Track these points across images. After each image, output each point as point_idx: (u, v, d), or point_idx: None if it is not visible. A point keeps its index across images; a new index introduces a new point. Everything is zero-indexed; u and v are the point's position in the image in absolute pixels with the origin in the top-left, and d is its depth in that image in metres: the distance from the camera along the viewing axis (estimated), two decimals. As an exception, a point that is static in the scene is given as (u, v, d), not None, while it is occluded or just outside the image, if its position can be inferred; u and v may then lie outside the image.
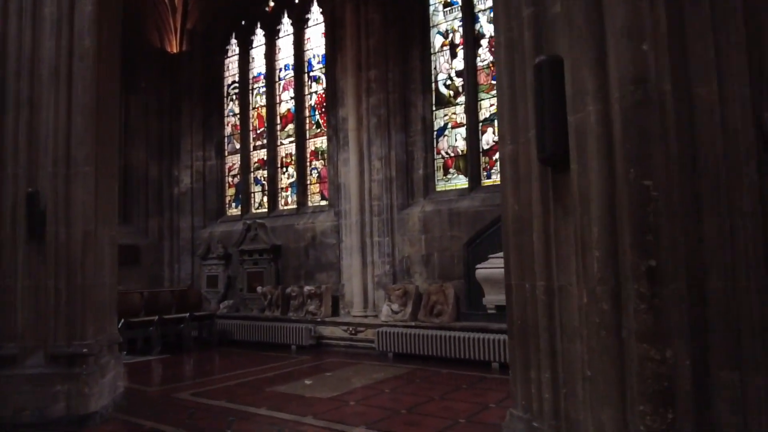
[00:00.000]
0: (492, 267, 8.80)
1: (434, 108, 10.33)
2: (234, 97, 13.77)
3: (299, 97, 12.22)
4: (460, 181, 9.94)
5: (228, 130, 13.83)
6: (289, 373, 8.21)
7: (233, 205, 13.56)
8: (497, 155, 9.54)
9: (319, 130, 11.93)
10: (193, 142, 13.85)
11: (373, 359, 9.02)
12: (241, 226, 12.22)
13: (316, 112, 11.99)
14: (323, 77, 11.82)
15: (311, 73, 12.14)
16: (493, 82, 9.75)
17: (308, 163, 12.06)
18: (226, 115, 13.89)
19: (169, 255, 13.78)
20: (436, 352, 8.56)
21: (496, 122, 9.67)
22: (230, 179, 13.69)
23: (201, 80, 13.90)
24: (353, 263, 10.20)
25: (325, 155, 11.63)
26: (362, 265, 10.13)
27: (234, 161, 13.60)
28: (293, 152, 12.28)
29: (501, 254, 8.65)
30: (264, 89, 13.01)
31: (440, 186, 10.16)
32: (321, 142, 11.83)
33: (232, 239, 12.48)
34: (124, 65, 14.85)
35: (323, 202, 11.66)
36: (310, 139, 12.08)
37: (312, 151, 12.03)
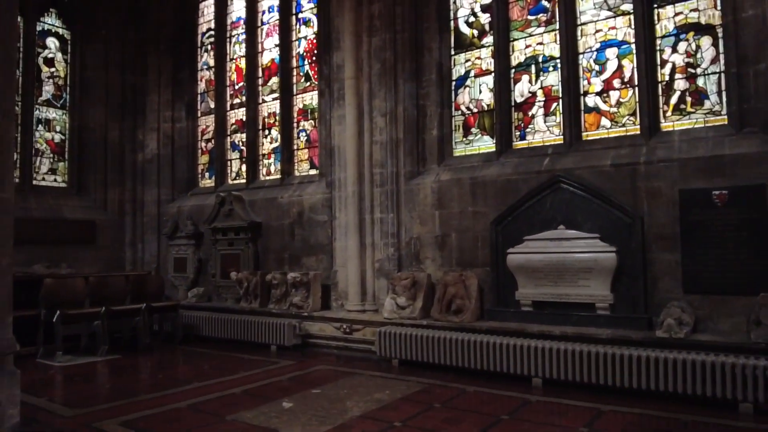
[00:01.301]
0: (529, 251, 6.82)
1: (453, 52, 8.24)
2: (209, 47, 11.61)
3: (285, 44, 10.09)
4: (485, 144, 7.90)
5: (201, 86, 11.69)
6: (264, 387, 6.21)
7: (206, 174, 11.46)
8: (534, 109, 7.50)
9: (308, 83, 9.82)
10: (161, 101, 11.70)
11: (373, 367, 7.04)
12: (214, 200, 10.16)
13: (306, 62, 9.87)
14: (314, 19, 9.69)
15: (300, 15, 10.00)
16: (531, 17, 7.68)
17: (295, 124, 9.97)
18: (199, 68, 11.74)
19: (131, 233, 11.69)
20: (455, 360, 6.58)
21: (533, 68, 7.61)
22: (203, 144, 11.58)
23: (171, 28, 11.72)
24: (349, 245, 8.18)
25: (316, 114, 9.55)
26: (360, 248, 8.12)
27: (208, 123, 11.48)
28: (277, 111, 10.18)
29: (542, 235, 6.68)
30: (244, 36, 10.86)
31: (459, 150, 8.11)
32: (311, 98, 9.74)
33: (204, 215, 10.42)
34: (79, 10, 12.74)
35: (313, 171, 9.60)
36: (297, 94, 9.97)
37: (300, 109, 9.94)
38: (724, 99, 6.34)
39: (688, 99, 6.57)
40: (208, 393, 5.97)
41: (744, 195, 5.85)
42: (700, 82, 6.51)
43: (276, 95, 10.25)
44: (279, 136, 10.10)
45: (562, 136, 7.30)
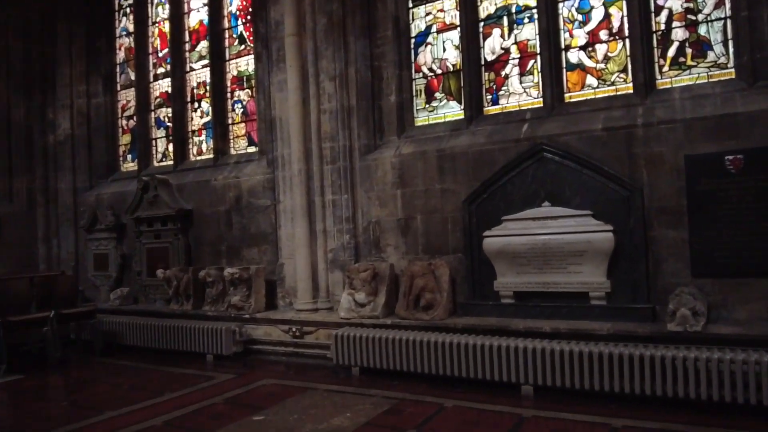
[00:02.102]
0: (509, 234, 5.78)
1: (411, 3, 7.07)
2: (128, 10, 10.04)
3: (215, 2, 8.67)
4: (452, 110, 6.79)
5: (120, 55, 10.11)
6: (193, 416, 4.96)
7: (129, 157, 9.93)
8: (508, 69, 6.44)
9: (243, 46, 8.46)
10: (74, 74, 10.06)
11: (330, 378, 5.90)
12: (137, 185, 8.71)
13: (239, 22, 8.49)
14: (248, -28, 8.33)
15: (231, -33, 8.61)
16: (501, -41, 6.57)
17: (229, 95, 8.61)
18: (117, 35, 10.16)
19: (44, 227, 10.06)
20: (427, 367, 5.50)
21: (505, 20, 6.53)
22: (124, 122, 10.03)
23: (81, -12, 10.08)
24: (296, 233, 6.96)
25: (253, 81, 8.22)
26: (309, 236, 6.91)
27: (129, 97, 9.93)
28: (208, 80, 8.78)
29: (524, 214, 5.61)
30: (167, -5, 9.38)
31: (422, 118, 6.98)
32: (247, 64, 8.39)
33: (127, 204, 8.95)
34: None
35: (251, 149, 8.29)
36: (231, 59, 8.60)
37: (234, 77, 8.57)
38: (731, 49, 5.42)
39: (689, 51, 5.62)
40: (120, 427, 4.69)
41: (763, 159, 4.95)
42: (702, 30, 5.56)
43: (206, 62, 8.84)
44: (210, 109, 8.71)
45: (541, 99, 6.26)
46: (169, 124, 9.23)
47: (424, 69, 6.97)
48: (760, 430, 3.97)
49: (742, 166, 5.02)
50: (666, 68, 5.72)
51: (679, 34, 5.66)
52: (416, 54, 7.02)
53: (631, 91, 5.82)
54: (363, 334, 5.87)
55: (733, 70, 5.39)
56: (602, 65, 6.02)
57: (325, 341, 6.41)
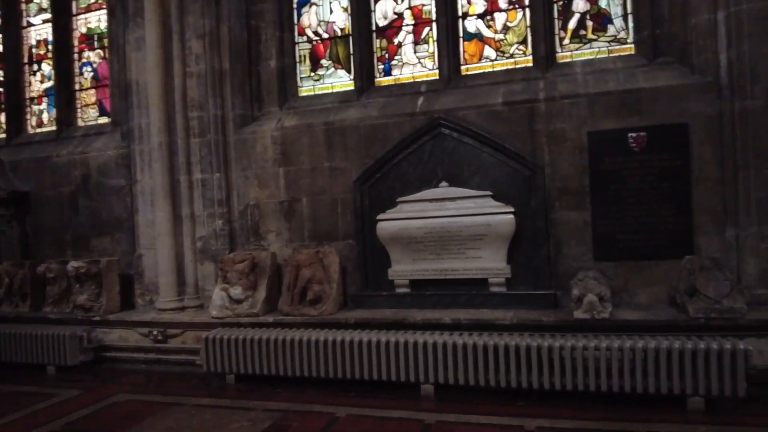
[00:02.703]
0: (405, 217, 5.22)
1: (294, -43, 6.27)
2: (-57, -51, 8.20)
3: (56, -56, 7.26)
4: (341, 80, 6.09)
5: (-66, 4, 8.28)
6: (18, 448, 3.90)
7: (-53, 128, 8.20)
8: (402, 36, 5.87)
9: (93, -2, 7.17)
10: None
11: (199, 389, 5.01)
12: (-44, 162, 7.10)
13: (88, -31, 7.18)
14: None
15: None
16: None
17: (77, 56, 7.25)
18: (-71, -21, 8.29)
19: None
20: (315, 369, 4.79)
21: (399, -19, 5.92)
22: (-60, 86, 8.25)
23: None
24: (158, 219, 5.91)
25: (105, 41, 6.96)
26: (174, 222, 5.90)
27: (-54, 56, 8.16)
28: (50, 38, 7.34)
29: (420, 195, 4.99)
30: (-6, -68, 7.73)
31: (307, 87, 6.21)
32: (98, 19, 7.10)
33: (-57, 185, 7.30)
34: None
35: (103, 119, 7.04)
36: (79, 14, 7.24)
37: (83, 34, 7.23)
38: (631, 24, 5.22)
39: (589, 24, 5.36)
40: None
41: (665, 137, 4.78)
42: (603, 2, 5.32)
43: (47, 16, 7.39)
44: (53, 72, 7.30)
45: (437, 70, 5.75)
46: (0, 89, 7.65)
47: (309, 32, 6.19)
48: (678, 420, 3.72)
49: (645, 145, 4.82)
50: (567, 41, 5.42)
51: (580, 5, 5.37)
52: (299, 15, 6.21)
53: (531, 64, 5.46)
54: (239, 336, 5.03)
55: (633, 45, 5.19)
56: (501, 36, 5.61)
57: (193, 345, 5.48)
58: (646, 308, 4.66)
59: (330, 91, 6.08)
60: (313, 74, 6.17)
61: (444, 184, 5.22)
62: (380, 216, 5.30)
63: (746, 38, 4.50)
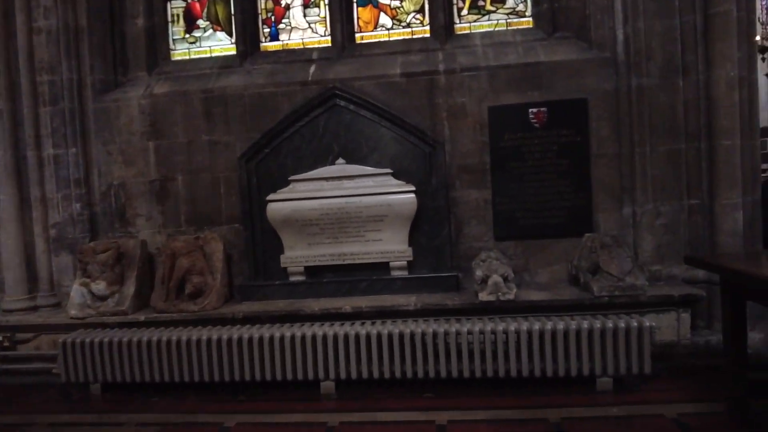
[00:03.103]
0: (298, 197, 4.77)
1: None
2: None
3: None
4: (221, 43, 5.39)
5: None
6: None
7: None
8: (291, -4, 5.32)
9: None
10: None
11: (58, 404, 4.24)
12: None
13: None
14: None
15: None
16: None
17: None
18: None
19: None
20: (199, 373, 4.19)
21: (286, -65, 5.33)
22: None
23: None
24: (1, 203, 4.95)
25: None
26: (21, 206, 4.97)
27: None
28: None
29: (315, 173, 4.65)
30: None
31: (181, 50, 5.44)
32: None
33: None
34: None
35: (-77, 82, 5.79)
36: None
37: None
38: (529, -5, 5.08)
39: (488, -7, 5.16)
40: None
41: (565, 112, 4.68)
42: (501, -28, 5.13)
43: None
44: None
45: (329, 37, 5.26)
46: None
47: (182, -12, 5.44)
48: (589, 403, 3.63)
49: (546, 120, 4.70)
50: (465, 11, 5.16)
51: (479, -27, 5.14)
52: (171, -33, 5.43)
53: (428, 35, 5.15)
54: (105, 338, 4.30)
55: (531, 18, 5.04)
56: (397, 3, 5.24)
57: (49, 351, 4.65)
58: (548, 287, 4.58)
59: (208, 55, 5.38)
60: (188, 36, 5.42)
61: (341, 161, 4.79)
62: (271, 196, 4.77)
63: (641, 15, 4.48)
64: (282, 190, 4.80)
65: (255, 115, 4.94)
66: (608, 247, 4.36)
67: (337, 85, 4.80)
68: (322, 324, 4.24)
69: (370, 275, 4.72)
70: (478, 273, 4.44)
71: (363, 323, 4.19)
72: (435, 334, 3.97)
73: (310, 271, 4.82)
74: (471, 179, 4.80)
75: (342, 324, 4.21)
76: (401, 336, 4.00)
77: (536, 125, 4.70)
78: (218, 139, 5.00)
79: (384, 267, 4.75)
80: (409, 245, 4.72)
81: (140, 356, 4.24)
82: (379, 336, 4.02)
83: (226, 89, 5.00)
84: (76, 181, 5.06)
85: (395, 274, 4.72)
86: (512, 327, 3.92)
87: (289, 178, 4.81)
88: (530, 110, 4.70)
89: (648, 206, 4.58)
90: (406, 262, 4.71)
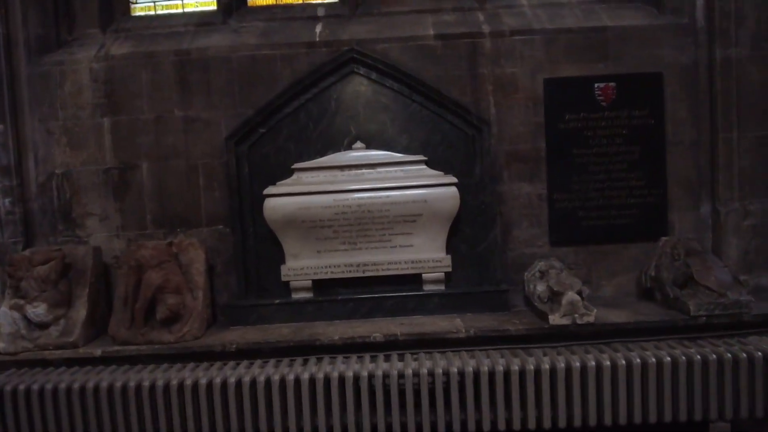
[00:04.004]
0: (305, 191, 3.71)
1: None
2: None
3: None
4: (197, -4, 4.26)
5: None
6: None
7: None
8: (290, -63, 4.22)
9: None
10: None
11: (-25, 475, 3.03)
12: None
13: None
14: None
15: None
16: None
17: None
18: None
19: None
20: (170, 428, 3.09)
21: None
22: None
23: None
24: None
25: None
26: (-77, 202, 3.69)
27: None
28: None
29: (327, 160, 3.61)
30: None
31: (144, 4, 4.23)
32: None
33: None
34: None
35: None
36: None
37: None
38: (580, -53, 4.17)
39: (532, -57, 4.21)
40: None
41: (636, 89, 3.81)
42: None
43: None
44: None
45: (336, -9, 4.21)
46: None
47: (146, -77, 4.24)
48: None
49: (614, 98, 3.82)
50: (505, -36, 4.22)
51: None
52: None
53: (463, -8, 4.18)
54: (47, 384, 3.08)
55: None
56: (421, -48, 4.24)
57: (-38, 399, 3.41)
58: (616, 304, 3.69)
59: (179, 10, 4.20)
60: (154, -15, 4.25)
61: (359, 144, 3.76)
62: (269, 190, 3.68)
63: (732, -31, 3.67)
64: (283, 181, 3.72)
65: (246, 84, 3.83)
66: (697, 255, 3.53)
67: (355, 47, 3.75)
68: (347, 358, 3.21)
69: (398, 291, 3.71)
70: (540, 288, 3.53)
71: (401, 356, 3.17)
72: (507, 373, 2.99)
73: (319, 285, 3.77)
74: (522, 170, 3.86)
75: (373, 357, 3.18)
76: (461, 374, 3.01)
77: (603, 103, 3.81)
78: (196, 115, 3.85)
79: (414, 280, 3.75)
80: (448, 252, 3.74)
81: (98, 409, 3.07)
82: (431, 375, 3.01)
83: (206, 51, 3.86)
84: (4, 170, 3.80)
85: (429, 289, 3.73)
86: (605, 360, 2.99)
87: (293, 167, 3.74)
88: (596, 85, 3.80)
89: (733, 204, 3.78)
90: (443, 274, 3.72)
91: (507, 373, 2.99)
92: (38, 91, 3.87)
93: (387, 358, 3.17)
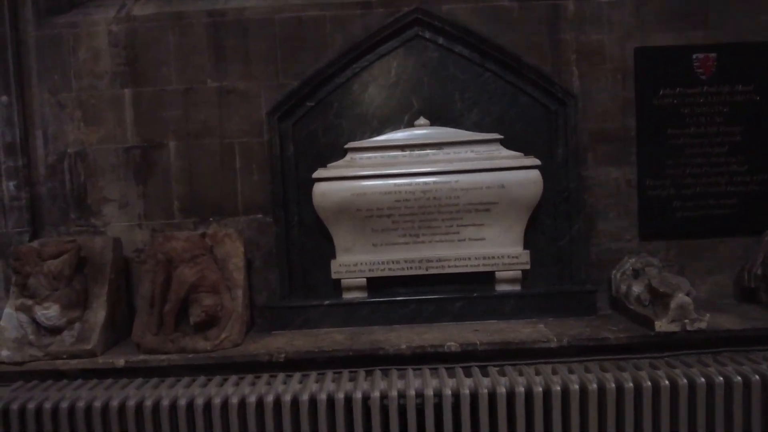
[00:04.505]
0: (361, 174, 3.16)
1: None
2: None
3: None
4: (230, -48, 3.72)
5: None
6: None
7: None
8: None
9: None
10: None
11: None
12: None
13: None
14: None
15: None
16: None
17: None
18: None
19: None
20: (219, 452, 2.57)
21: None
22: None
23: None
24: None
25: None
26: None
27: None
28: None
29: (385, 139, 3.13)
30: None
31: (170, -41, 3.73)
32: None
33: None
34: None
35: None
36: None
37: None
38: None
39: None
40: None
41: (740, 60, 3.30)
42: None
43: None
44: None
45: (389, -51, 3.68)
46: None
47: None
48: None
49: (714, 71, 3.31)
50: None
51: None
52: None
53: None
54: (62, 401, 2.56)
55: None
56: None
57: (-41, 417, 2.87)
58: (713, 306, 3.17)
59: (211, -32, 3.68)
60: (180, -62, 3.71)
61: (423, 121, 3.23)
62: (319, 173, 3.16)
63: None
64: (335, 163, 3.20)
65: (290, 50, 3.30)
66: (819, 251, 3.03)
67: (417, 9, 3.22)
68: (418, 370, 2.70)
69: (468, 291, 3.20)
70: (636, 288, 3.06)
71: (483, 369, 2.66)
72: (620, 390, 2.48)
73: (374, 284, 3.25)
74: (608, 152, 3.34)
75: (450, 370, 2.67)
76: (565, 392, 2.49)
77: (702, 77, 3.30)
78: (232, 86, 3.32)
79: (481, 279, 3.24)
80: (525, 248, 3.23)
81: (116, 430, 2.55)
82: (529, 393, 2.50)
83: (244, 12, 3.32)
84: (8, 149, 3.28)
85: (503, 289, 3.22)
86: (734, 375, 2.48)
87: (346, 146, 3.21)
88: (694, 56, 3.29)
89: None
90: (520, 272, 3.21)
91: (620, 389, 2.48)
92: (48, 58, 3.34)
93: (467, 372, 2.67)
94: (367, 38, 3.22)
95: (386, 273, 3.21)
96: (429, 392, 2.49)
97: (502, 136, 3.20)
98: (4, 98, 3.24)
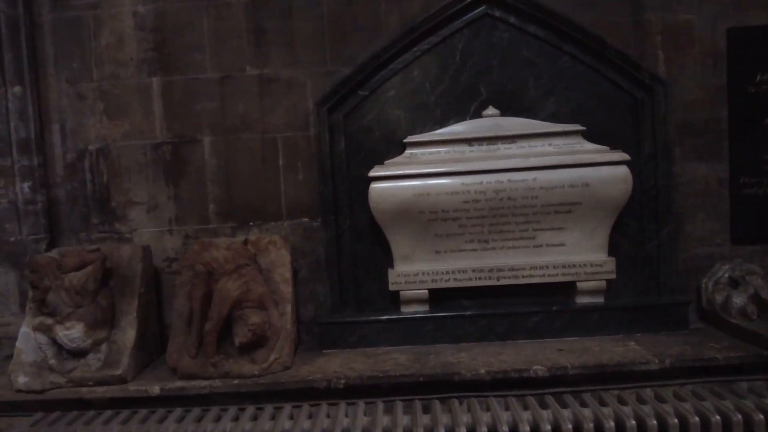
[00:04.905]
0: (422, 172, 2.77)
1: None
2: None
3: None
4: (267, -74, 3.34)
5: None
6: None
7: None
8: None
9: None
10: None
11: None
12: None
13: None
14: None
15: None
16: None
17: None
18: None
19: None
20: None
21: None
22: None
23: None
24: None
25: None
26: None
27: None
28: None
29: (450, 131, 2.76)
30: None
31: (201, -66, 3.35)
32: None
33: None
34: None
35: None
36: None
37: None
38: None
39: None
40: None
41: None
42: None
43: None
44: None
45: None
46: None
47: None
48: None
49: (818, 53, 2.94)
50: None
51: None
52: None
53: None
54: (87, 436, 2.21)
55: None
56: None
57: (-31, 455, 2.50)
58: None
59: (246, -56, 3.31)
60: None
61: (492, 111, 2.85)
62: (376, 171, 2.77)
63: None
64: (393, 160, 2.82)
65: (340, 33, 2.92)
66: None
67: (486, -14, 2.85)
68: (502, 398, 2.32)
69: (545, 304, 2.83)
70: (738, 300, 2.69)
71: (577, 395, 2.29)
72: (748, 422, 2.11)
73: (437, 296, 2.88)
74: (697, 145, 2.97)
75: (540, 398, 2.30)
76: (684, 424, 2.12)
77: (804, 60, 2.93)
78: (275, 74, 2.95)
79: (564, 290, 2.86)
80: (609, 254, 2.85)
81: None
82: (642, 427, 2.12)
83: (289, -14, 2.95)
84: (22, 146, 2.89)
85: (585, 301, 2.83)
86: None
87: (405, 140, 2.83)
88: (796, 36, 2.93)
89: None
90: (604, 283, 2.83)
91: (748, 421, 2.11)
92: (66, 43, 2.96)
93: (560, 400, 2.29)
94: (428, 18, 2.84)
95: (452, 284, 2.83)
96: (525, 428, 2.11)
97: (584, 128, 2.82)
98: (17, 89, 2.86)
